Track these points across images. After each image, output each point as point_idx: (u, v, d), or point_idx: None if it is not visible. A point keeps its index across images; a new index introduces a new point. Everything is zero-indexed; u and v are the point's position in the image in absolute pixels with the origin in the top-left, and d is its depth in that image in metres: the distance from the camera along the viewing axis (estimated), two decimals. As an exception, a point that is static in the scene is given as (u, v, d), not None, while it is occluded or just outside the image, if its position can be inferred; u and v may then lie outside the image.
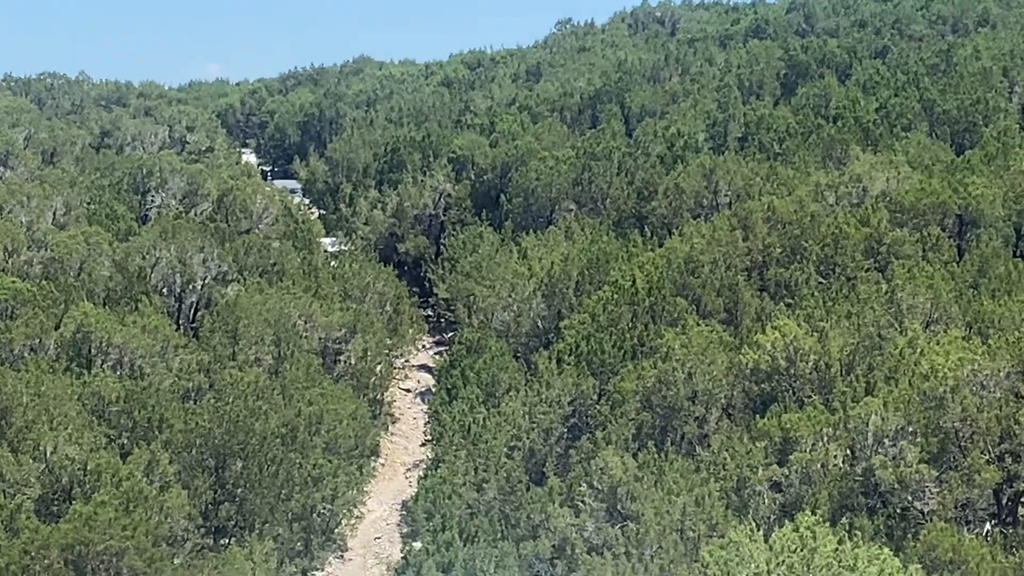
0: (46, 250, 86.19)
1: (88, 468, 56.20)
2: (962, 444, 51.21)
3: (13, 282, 76.02)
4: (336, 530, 66.63)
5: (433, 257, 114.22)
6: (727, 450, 56.56)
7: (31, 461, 56.47)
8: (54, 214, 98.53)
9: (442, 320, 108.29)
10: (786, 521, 37.03)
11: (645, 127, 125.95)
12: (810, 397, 59.19)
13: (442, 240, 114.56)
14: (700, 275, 74.88)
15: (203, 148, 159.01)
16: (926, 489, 50.90)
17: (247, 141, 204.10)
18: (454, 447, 68.13)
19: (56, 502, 55.42)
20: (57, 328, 71.62)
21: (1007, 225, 79.13)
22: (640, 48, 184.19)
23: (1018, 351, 53.66)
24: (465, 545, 55.37)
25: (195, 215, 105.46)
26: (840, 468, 52.48)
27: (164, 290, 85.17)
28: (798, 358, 61.07)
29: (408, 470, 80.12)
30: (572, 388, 66.81)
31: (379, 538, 71.42)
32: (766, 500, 52.10)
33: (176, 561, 54.69)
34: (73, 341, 70.23)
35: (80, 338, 70.26)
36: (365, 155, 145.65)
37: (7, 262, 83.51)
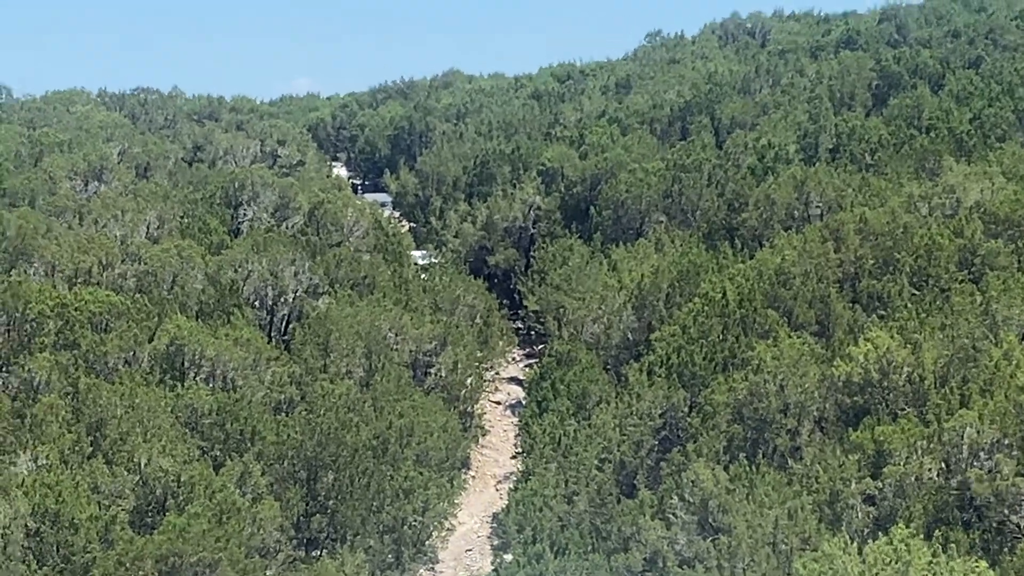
0: (140, 263, 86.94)
1: (181, 480, 56.66)
2: (1059, 457, 50.70)
3: (108, 295, 76.70)
4: (427, 542, 66.81)
5: (523, 269, 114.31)
6: (820, 463, 56.31)
7: (125, 473, 57.01)
8: (148, 228, 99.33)
9: (532, 332, 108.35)
10: (880, 534, 36.83)
11: (735, 139, 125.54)
12: (904, 410, 58.79)
13: (532, 253, 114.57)
14: (791, 287, 74.56)
15: (294, 162, 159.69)
16: (1023, 503, 50.44)
17: (337, 155, 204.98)
18: (544, 459, 68.19)
19: (150, 514, 55.91)
20: (151, 341, 72.23)
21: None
22: (730, 59, 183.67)
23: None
24: (556, 557, 55.46)
25: (286, 228, 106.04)
26: (935, 481, 52.10)
27: (256, 303, 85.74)
28: (891, 370, 60.66)
29: (499, 482, 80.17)
30: (663, 400, 66.76)
31: (470, 550, 71.55)
32: (859, 513, 51.78)
33: (268, 573, 55.11)
34: (167, 354, 70.84)
35: (173, 351, 70.87)
36: (455, 168, 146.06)
37: (102, 275, 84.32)
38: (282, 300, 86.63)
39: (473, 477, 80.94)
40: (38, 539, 51.13)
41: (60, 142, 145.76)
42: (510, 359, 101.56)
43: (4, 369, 68.88)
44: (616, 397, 71.88)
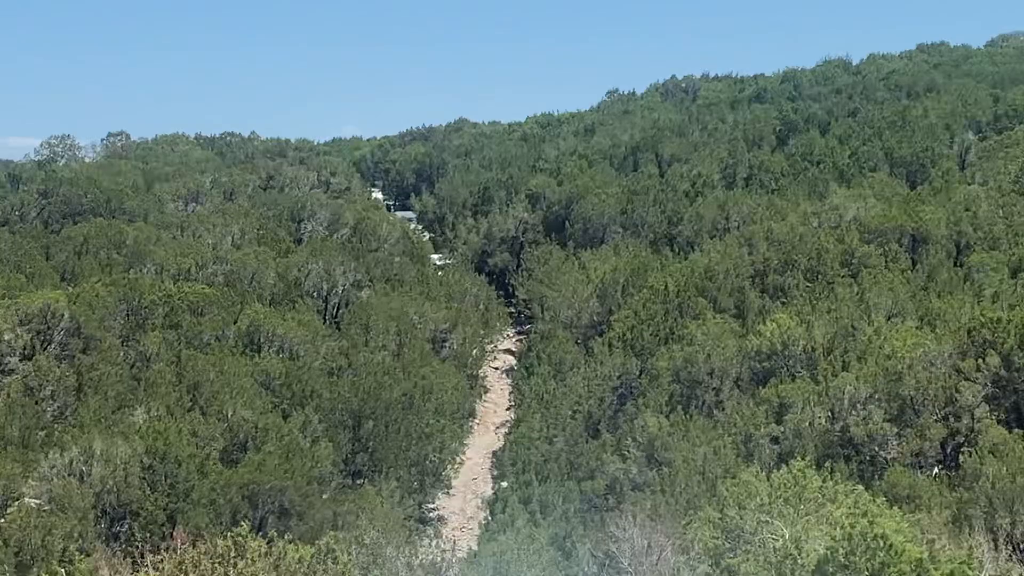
0: (226, 264, 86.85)
1: (258, 427, 56.68)
2: (916, 408, 50.80)
3: (203, 288, 76.70)
4: (443, 473, 66.86)
5: (514, 268, 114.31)
6: (737, 413, 56.37)
7: (216, 421, 56.99)
8: (232, 238, 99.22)
9: (521, 315, 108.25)
10: (783, 465, 36.78)
11: (674, 170, 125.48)
12: (800, 372, 58.82)
13: (521, 255, 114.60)
14: (716, 281, 74.64)
15: (342, 188, 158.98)
16: (888, 441, 50.49)
17: (375, 183, 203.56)
18: (531, 410, 68.29)
19: (235, 452, 55.90)
20: (235, 322, 72.24)
21: (949, 242, 78.44)
22: (670, 111, 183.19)
23: (959, 337, 53.24)
24: (540, 484, 55.52)
25: (337, 238, 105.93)
26: (823, 426, 52.15)
27: (314, 294, 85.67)
28: (790, 343, 60.76)
29: (497, 428, 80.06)
30: (620, 366, 66.80)
31: (475, 479, 71.43)
32: (767, 450, 51.82)
33: (324, 496, 55.05)
34: (247, 332, 70.81)
35: (252, 330, 70.85)
36: (464, 192, 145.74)
37: (198, 273, 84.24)
38: (334, 292, 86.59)
39: (478, 424, 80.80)
40: (150, 471, 51.12)
41: (166, 173, 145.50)
42: (505, 336, 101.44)
43: (125, 344, 68.83)
44: (584, 364, 71.94)
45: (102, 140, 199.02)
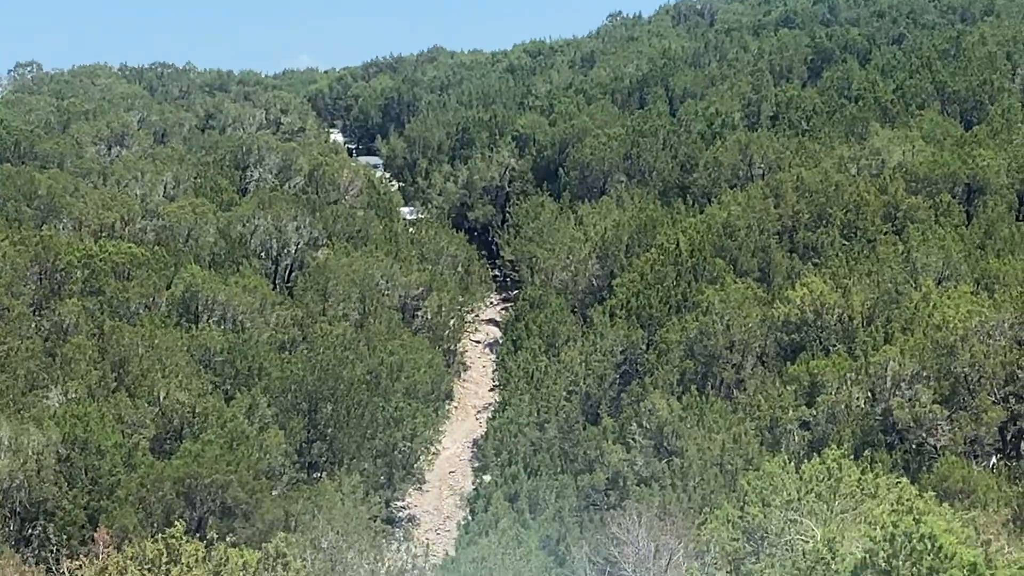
0: (158, 219, 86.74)
1: (196, 411, 56.68)
2: (971, 387, 51.01)
3: (130, 247, 76.53)
4: (415, 465, 66.97)
5: (499, 224, 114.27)
6: (761, 393, 56.55)
7: (146, 405, 56.98)
8: (165, 187, 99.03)
9: (507, 279, 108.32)
10: (814, 455, 36.94)
11: (687, 107, 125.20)
12: (835, 346, 59.08)
13: (507, 209, 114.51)
14: (736, 238, 74.70)
15: (296, 129, 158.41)
16: (938, 427, 50.75)
17: (334, 122, 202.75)
18: (519, 391, 68.24)
19: (168, 441, 55.93)
20: (168, 288, 72.17)
21: (1010, 192, 78.63)
22: (682, 37, 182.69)
23: (1021, 304, 53.37)
24: (529, 478, 55.54)
25: (289, 188, 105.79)
26: (862, 408, 52.39)
27: (262, 254, 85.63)
28: (824, 311, 60.97)
29: (478, 412, 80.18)
30: (623, 339, 66.89)
31: (453, 472, 71.61)
32: (796, 437, 52.04)
33: (274, 493, 55.11)
34: (182, 299, 70.78)
35: (188, 296, 70.80)
36: (439, 134, 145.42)
37: (124, 230, 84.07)
38: (285, 251, 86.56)
39: (455, 407, 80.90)
40: (68, 464, 51.09)
41: (85, 111, 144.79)
42: (488, 303, 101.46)
43: (37, 313, 68.71)
44: (582, 336, 72.03)
45: (8, 72, 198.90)
